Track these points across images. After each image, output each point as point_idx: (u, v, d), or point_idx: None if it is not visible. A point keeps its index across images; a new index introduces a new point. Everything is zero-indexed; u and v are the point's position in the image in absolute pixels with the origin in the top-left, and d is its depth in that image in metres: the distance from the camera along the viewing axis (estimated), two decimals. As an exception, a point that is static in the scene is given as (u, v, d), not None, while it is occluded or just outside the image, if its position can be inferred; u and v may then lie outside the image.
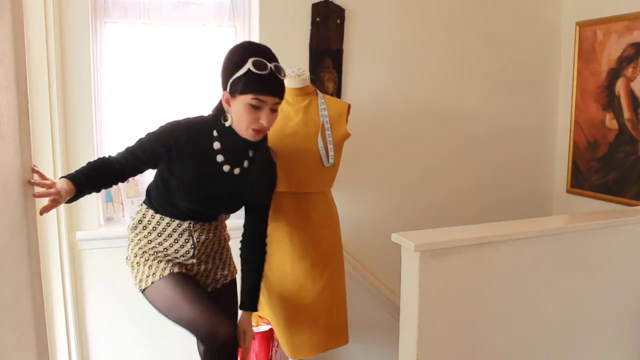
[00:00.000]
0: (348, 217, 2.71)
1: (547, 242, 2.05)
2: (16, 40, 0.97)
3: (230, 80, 1.66)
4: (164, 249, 1.83)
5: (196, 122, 1.77)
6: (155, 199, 1.84)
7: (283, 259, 2.19)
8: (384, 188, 2.97)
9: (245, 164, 1.81)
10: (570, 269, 2.13)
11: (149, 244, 1.83)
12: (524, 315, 2.05)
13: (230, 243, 2.08)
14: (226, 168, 1.77)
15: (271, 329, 2.41)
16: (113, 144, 2.54)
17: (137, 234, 1.86)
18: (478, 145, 3.17)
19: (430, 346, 1.86)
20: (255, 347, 2.39)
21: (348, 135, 2.27)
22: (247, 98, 1.64)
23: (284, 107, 2.23)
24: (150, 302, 1.80)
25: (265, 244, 1.95)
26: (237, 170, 1.79)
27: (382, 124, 2.91)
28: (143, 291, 1.80)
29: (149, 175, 2.53)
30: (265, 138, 1.84)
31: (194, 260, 1.88)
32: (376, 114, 2.88)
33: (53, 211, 2.30)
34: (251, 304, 1.89)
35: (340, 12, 2.71)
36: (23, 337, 1.02)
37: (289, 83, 2.23)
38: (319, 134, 2.17)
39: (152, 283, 1.76)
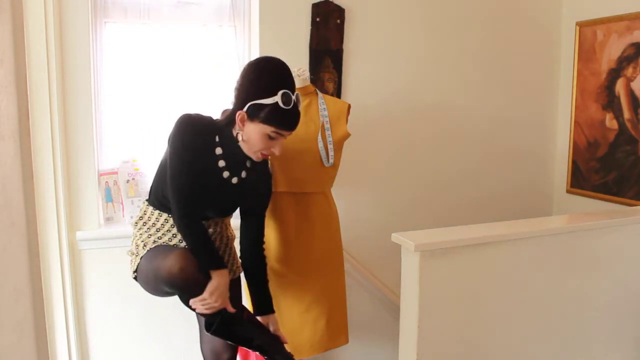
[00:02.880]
0: (348, 217, 2.71)
1: (547, 242, 2.05)
2: (16, 40, 0.97)
3: (252, 103, 1.64)
4: (164, 243, 1.83)
5: (206, 121, 1.76)
6: (155, 195, 1.85)
7: (283, 259, 2.19)
8: (384, 188, 2.97)
9: (244, 174, 1.82)
10: (570, 269, 2.13)
11: (150, 237, 1.84)
12: (524, 315, 2.05)
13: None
14: (226, 174, 1.78)
15: (271, 329, 2.41)
16: (113, 144, 2.54)
17: (138, 230, 1.87)
18: (478, 144, 3.16)
19: (430, 346, 1.86)
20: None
21: (348, 135, 2.27)
22: (267, 129, 1.65)
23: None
24: (140, 284, 1.82)
25: (263, 250, 1.98)
26: (235, 180, 1.80)
27: (382, 124, 2.91)
28: (136, 278, 1.83)
29: (150, 175, 2.54)
30: None
31: None
32: (376, 113, 2.88)
33: (53, 211, 2.32)
34: (269, 307, 1.94)
35: (340, 12, 2.71)
36: (23, 337, 1.02)
37: (289, 83, 2.23)
38: (319, 134, 2.17)
39: (141, 258, 1.78)
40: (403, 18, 2.89)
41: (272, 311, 1.95)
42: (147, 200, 1.91)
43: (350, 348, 2.72)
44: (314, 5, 2.66)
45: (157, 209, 1.85)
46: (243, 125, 1.68)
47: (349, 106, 2.31)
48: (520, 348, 2.06)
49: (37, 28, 2.20)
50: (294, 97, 1.65)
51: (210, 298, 1.67)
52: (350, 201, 2.84)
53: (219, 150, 1.75)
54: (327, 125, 2.19)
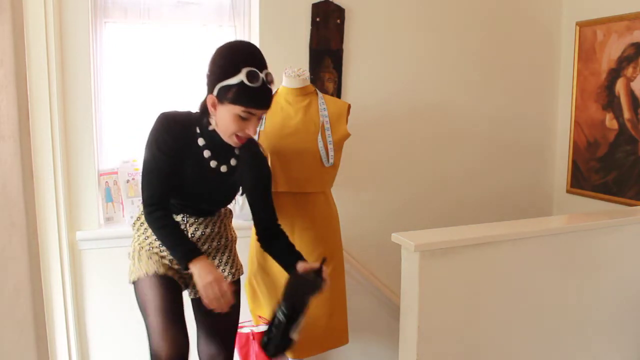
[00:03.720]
0: (348, 217, 2.71)
1: (547, 242, 2.05)
2: (16, 40, 0.97)
3: (219, 86, 1.61)
4: (160, 243, 1.81)
5: (184, 115, 1.75)
6: None
7: (283, 259, 2.19)
8: (384, 188, 2.97)
9: (233, 161, 1.79)
10: (570, 269, 2.13)
11: (146, 240, 1.83)
12: (524, 315, 2.04)
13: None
14: (213, 164, 1.74)
15: (271, 329, 2.41)
16: (113, 144, 2.54)
17: (136, 230, 1.87)
18: (478, 144, 3.16)
19: (430, 346, 1.86)
20: (255, 347, 2.39)
21: (348, 135, 2.27)
22: (237, 109, 1.60)
23: (284, 107, 2.23)
24: (136, 298, 1.82)
25: (280, 226, 1.91)
26: (224, 168, 1.77)
27: (382, 124, 2.91)
28: (132, 283, 1.82)
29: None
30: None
31: None
32: (376, 114, 2.88)
33: (53, 211, 2.32)
34: (298, 255, 1.85)
35: (340, 12, 2.71)
36: (23, 337, 1.02)
37: (289, 83, 2.23)
38: (319, 134, 2.17)
39: (137, 278, 1.78)
40: (403, 18, 2.89)
41: (302, 257, 1.85)
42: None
43: (350, 348, 2.72)
44: (314, 5, 2.66)
45: None
46: (215, 109, 1.65)
47: (349, 106, 2.31)
48: (520, 348, 2.06)
49: (37, 28, 2.20)
50: (262, 75, 1.59)
51: (211, 291, 1.62)
52: (350, 201, 2.84)
53: (201, 141, 1.73)
54: (327, 125, 2.19)
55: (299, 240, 2.17)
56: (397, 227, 2.26)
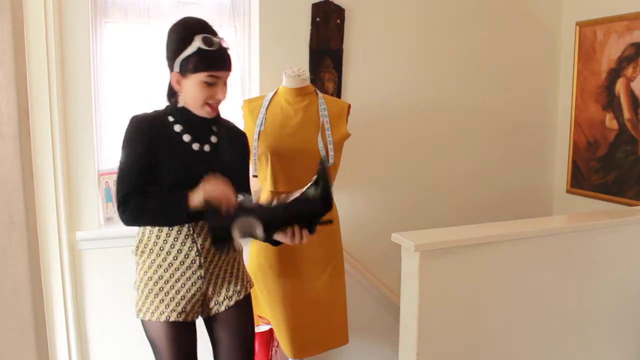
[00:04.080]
0: (348, 217, 2.71)
1: (547, 242, 2.05)
2: (16, 40, 0.97)
3: (179, 60, 1.63)
4: (169, 264, 1.72)
5: (153, 113, 1.74)
6: None
7: (283, 259, 2.19)
8: (384, 188, 2.97)
9: (213, 139, 1.75)
10: (570, 269, 2.13)
11: (152, 264, 1.74)
12: (523, 315, 2.05)
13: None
14: (195, 146, 1.71)
15: (271, 329, 2.41)
16: (113, 144, 2.54)
17: (140, 256, 1.78)
18: (478, 144, 3.17)
19: (430, 346, 1.86)
20: (255, 347, 2.40)
21: (348, 135, 2.27)
22: (202, 76, 1.61)
23: (284, 107, 2.23)
24: (144, 330, 1.79)
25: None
26: (207, 147, 1.73)
27: (382, 124, 2.91)
28: (140, 319, 1.78)
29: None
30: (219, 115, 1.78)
31: (202, 272, 1.75)
32: (376, 114, 2.88)
33: (53, 211, 2.32)
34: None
35: (340, 12, 2.71)
36: (23, 337, 1.02)
37: (289, 83, 2.23)
38: (319, 134, 2.17)
39: (148, 319, 1.75)
40: (403, 18, 2.89)
41: None
42: None
43: (350, 348, 2.72)
44: (314, 5, 2.66)
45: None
46: (180, 85, 1.66)
47: (349, 106, 2.31)
48: (520, 348, 2.06)
49: (37, 28, 2.20)
50: (217, 39, 1.62)
51: (217, 193, 1.58)
52: (351, 201, 2.84)
53: (178, 128, 1.70)
54: (327, 125, 2.19)
55: (299, 240, 2.17)
56: (397, 227, 2.26)
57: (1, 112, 0.93)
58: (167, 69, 1.71)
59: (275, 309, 2.22)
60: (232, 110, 2.55)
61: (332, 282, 2.27)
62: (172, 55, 1.65)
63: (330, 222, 1.68)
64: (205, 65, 1.61)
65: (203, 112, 1.68)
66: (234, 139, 1.82)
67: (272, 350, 2.47)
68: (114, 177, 2.48)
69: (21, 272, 1.03)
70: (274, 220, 1.63)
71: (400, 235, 1.86)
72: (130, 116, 1.71)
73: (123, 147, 1.69)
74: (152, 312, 1.74)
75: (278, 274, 2.20)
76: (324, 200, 1.61)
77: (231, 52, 1.68)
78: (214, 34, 1.66)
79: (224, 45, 1.66)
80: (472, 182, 3.17)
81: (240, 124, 2.31)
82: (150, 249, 1.75)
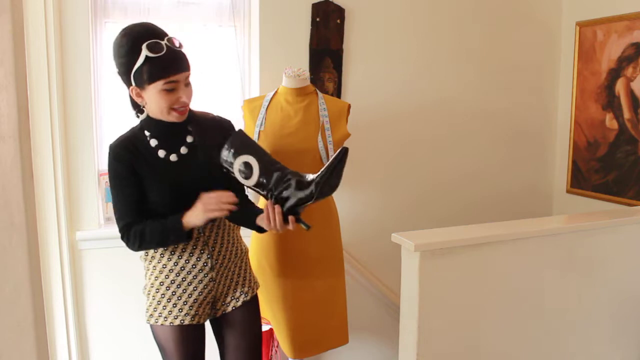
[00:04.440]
0: (348, 217, 2.71)
1: (547, 242, 2.05)
2: (16, 40, 0.97)
3: (132, 74, 1.57)
4: (181, 268, 1.72)
5: (127, 134, 1.72)
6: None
7: (283, 259, 2.19)
8: (384, 188, 2.97)
9: (189, 139, 1.71)
10: (570, 269, 2.13)
11: (164, 268, 1.73)
12: (523, 315, 2.04)
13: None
14: (173, 157, 1.68)
15: (271, 329, 2.41)
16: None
17: (150, 261, 1.77)
18: (478, 144, 3.17)
19: (430, 346, 1.86)
20: (262, 347, 2.39)
21: (348, 135, 2.27)
22: (159, 85, 1.56)
23: (284, 107, 2.23)
24: (152, 334, 1.78)
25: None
26: (184, 150, 1.69)
27: (382, 124, 2.91)
28: (150, 324, 1.77)
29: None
30: (190, 115, 1.73)
31: (213, 274, 1.75)
32: (376, 113, 2.88)
33: (53, 211, 2.32)
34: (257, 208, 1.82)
35: (340, 12, 2.71)
36: (23, 337, 1.02)
37: (288, 83, 2.23)
38: (319, 134, 2.17)
39: (160, 324, 1.74)
40: (403, 18, 2.89)
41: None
42: None
43: (350, 348, 2.72)
44: (314, 5, 2.66)
45: None
46: (142, 98, 1.62)
47: (349, 106, 2.31)
48: (520, 348, 2.06)
49: (37, 28, 2.20)
50: (163, 42, 1.54)
51: (213, 206, 1.60)
52: (350, 201, 2.84)
53: (153, 143, 1.68)
54: (327, 125, 2.19)
55: (298, 240, 2.17)
56: (397, 227, 2.26)
57: (1, 112, 0.93)
58: (124, 85, 1.66)
59: (275, 308, 2.22)
60: (232, 110, 2.55)
61: (332, 282, 2.27)
62: (124, 70, 1.59)
63: (307, 226, 1.65)
64: (159, 73, 1.54)
65: (172, 118, 1.65)
66: (213, 130, 1.76)
67: (272, 350, 2.47)
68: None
69: (21, 272, 1.03)
70: (269, 169, 1.64)
71: (400, 235, 1.86)
72: (108, 146, 1.71)
73: (109, 179, 1.71)
74: (165, 317, 1.74)
75: (278, 274, 2.20)
76: (317, 184, 1.60)
77: (184, 49, 1.61)
78: (161, 36, 1.57)
79: (175, 45, 1.58)
80: (472, 182, 3.17)
81: (240, 123, 2.31)
82: (161, 253, 1.74)
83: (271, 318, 2.28)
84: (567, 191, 3.28)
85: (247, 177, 1.64)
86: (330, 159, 1.64)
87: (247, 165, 1.64)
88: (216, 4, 2.62)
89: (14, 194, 1.02)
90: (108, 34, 2.47)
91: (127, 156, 1.67)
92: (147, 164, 1.67)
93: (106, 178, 2.48)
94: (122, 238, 1.69)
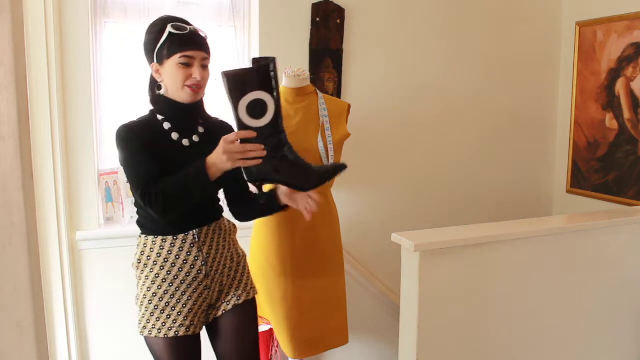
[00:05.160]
0: (348, 217, 2.71)
1: (547, 242, 2.05)
2: (16, 40, 0.97)
3: (155, 52, 1.66)
4: (174, 277, 1.69)
5: (137, 120, 1.74)
6: (148, 219, 1.72)
7: (283, 259, 2.19)
8: (384, 188, 2.97)
9: (201, 129, 1.75)
10: (570, 269, 2.13)
11: (156, 278, 1.70)
12: (524, 315, 2.04)
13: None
14: (185, 142, 1.70)
15: (271, 329, 2.41)
16: (113, 144, 2.54)
17: (142, 270, 1.72)
18: (478, 145, 3.17)
19: (430, 346, 1.86)
20: (258, 353, 2.39)
21: (348, 135, 2.27)
22: (175, 58, 1.63)
23: (284, 107, 2.22)
24: (147, 346, 1.76)
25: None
26: (195, 138, 1.71)
27: (382, 124, 2.91)
28: (143, 336, 1.74)
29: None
30: (202, 111, 1.77)
31: (208, 282, 1.73)
32: (376, 114, 2.88)
33: (53, 211, 2.32)
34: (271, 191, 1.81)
35: (340, 12, 2.71)
36: (23, 338, 1.02)
37: (288, 83, 2.23)
38: (319, 134, 2.17)
39: (154, 336, 1.70)
40: (403, 18, 2.89)
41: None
42: (141, 234, 1.76)
43: (350, 348, 2.72)
44: (314, 5, 2.66)
45: (157, 234, 1.71)
46: (160, 74, 1.69)
47: (349, 106, 2.31)
48: (520, 348, 2.06)
49: (37, 28, 2.20)
50: (189, 27, 1.65)
51: (233, 151, 1.55)
52: (350, 201, 2.84)
53: (167, 125, 1.70)
54: (327, 126, 2.19)
55: (299, 240, 2.17)
56: (397, 227, 2.26)
57: (1, 112, 0.93)
58: (148, 66, 1.73)
59: (276, 309, 2.22)
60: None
61: (332, 282, 2.27)
62: (150, 48, 1.69)
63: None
64: (177, 47, 1.63)
65: (184, 96, 1.67)
66: (220, 130, 1.77)
67: (272, 350, 2.47)
68: (114, 177, 2.50)
69: (21, 272, 1.03)
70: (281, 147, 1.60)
71: (400, 235, 1.86)
72: (116, 130, 1.70)
73: (122, 154, 1.67)
74: (159, 329, 1.70)
75: (278, 274, 2.20)
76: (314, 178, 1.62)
77: (206, 37, 1.70)
78: (187, 22, 1.69)
79: (198, 31, 1.68)
80: (472, 182, 3.17)
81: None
82: (154, 261, 1.70)
83: (271, 318, 2.28)
84: (567, 191, 3.28)
85: (258, 117, 1.56)
86: (330, 167, 1.65)
87: (260, 102, 1.56)
88: (216, 4, 2.62)
89: (14, 194, 1.02)
90: (108, 34, 2.47)
91: (142, 133, 1.68)
92: (161, 146, 1.67)
93: (106, 178, 2.48)
94: (145, 204, 1.60)
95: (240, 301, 1.82)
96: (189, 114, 1.73)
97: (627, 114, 2.90)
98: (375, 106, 2.87)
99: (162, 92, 1.71)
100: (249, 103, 1.54)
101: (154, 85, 1.74)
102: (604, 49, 2.99)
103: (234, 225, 1.90)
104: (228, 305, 1.81)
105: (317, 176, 1.63)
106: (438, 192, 3.10)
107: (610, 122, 2.99)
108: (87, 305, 2.46)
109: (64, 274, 2.37)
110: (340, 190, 2.55)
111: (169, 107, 1.71)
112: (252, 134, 1.56)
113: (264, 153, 1.57)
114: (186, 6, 2.57)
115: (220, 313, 1.81)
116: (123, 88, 2.53)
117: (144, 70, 2.53)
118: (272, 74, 1.54)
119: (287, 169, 1.61)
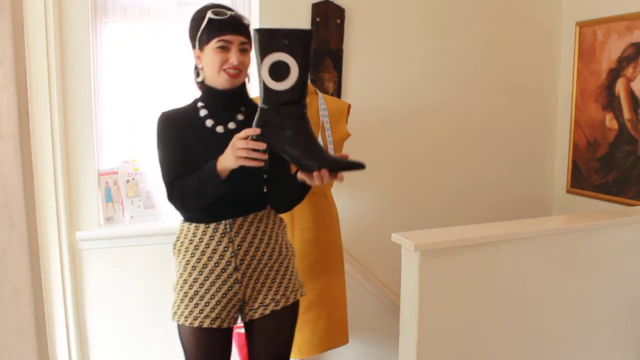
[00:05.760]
0: (348, 217, 2.71)
1: (547, 242, 2.05)
2: (16, 40, 0.97)
3: (197, 38, 1.67)
4: (203, 265, 1.68)
5: (180, 107, 1.75)
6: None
7: (283, 259, 2.19)
8: (384, 188, 2.97)
9: (240, 117, 1.71)
10: (570, 269, 2.13)
11: (187, 265, 1.70)
12: (523, 315, 2.04)
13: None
14: (220, 129, 1.68)
15: (271, 329, 2.41)
16: (113, 144, 2.55)
17: (177, 256, 1.75)
18: (478, 145, 3.17)
19: (430, 346, 1.86)
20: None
21: (348, 135, 2.27)
22: (213, 43, 1.64)
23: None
24: (178, 332, 1.76)
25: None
26: (232, 125, 1.69)
27: (382, 124, 2.91)
28: (174, 322, 1.75)
29: (150, 177, 2.54)
30: (245, 97, 1.75)
31: (238, 275, 1.69)
32: (376, 114, 2.88)
33: (53, 211, 2.32)
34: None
35: (340, 12, 2.71)
36: (23, 338, 1.02)
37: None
38: (319, 134, 2.17)
39: (182, 323, 1.71)
40: (403, 18, 2.89)
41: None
42: (182, 221, 1.77)
43: (350, 348, 2.72)
44: (314, 5, 2.66)
45: (192, 221, 1.72)
46: (201, 60, 1.69)
47: (349, 106, 2.31)
48: (520, 348, 2.06)
49: (37, 28, 2.20)
50: (230, 12, 1.65)
51: (239, 151, 1.50)
52: (351, 201, 2.84)
53: (203, 112, 1.70)
54: (327, 126, 2.19)
55: (299, 240, 2.17)
56: (397, 227, 2.26)
57: (1, 112, 0.93)
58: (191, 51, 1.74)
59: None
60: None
61: (332, 282, 2.27)
62: (191, 36, 1.70)
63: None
64: (215, 32, 1.63)
65: (222, 81, 1.66)
66: None
67: (272, 350, 2.47)
68: (114, 177, 2.50)
69: (21, 272, 1.03)
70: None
71: (400, 235, 1.86)
72: (159, 114, 1.73)
73: (157, 143, 1.70)
74: (186, 317, 1.69)
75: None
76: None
77: (248, 23, 1.69)
78: (230, 10, 1.68)
79: (240, 17, 1.67)
80: (472, 182, 3.17)
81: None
82: (186, 248, 1.71)
83: (271, 318, 2.27)
84: (567, 191, 3.28)
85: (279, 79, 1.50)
86: (345, 160, 1.56)
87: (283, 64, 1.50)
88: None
89: (14, 194, 1.02)
90: (108, 34, 2.47)
91: (178, 122, 1.69)
92: (195, 133, 1.68)
93: (106, 178, 2.49)
94: (168, 198, 1.67)
95: (279, 307, 1.75)
96: (228, 101, 1.71)
97: (627, 114, 2.90)
98: (375, 106, 2.87)
99: (199, 79, 1.72)
100: (273, 63, 1.50)
101: (197, 73, 1.75)
102: (604, 49, 2.99)
103: (280, 219, 1.81)
104: (266, 309, 1.74)
105: (326, 161, 1.53)
106: (438, 192, 3.10)
107: (610, 122, 2.99)
108: (87, 305, 2.46)
109: (64, 274, 2.37)
110: (340, 190, 2.55)
111: (207, 94, 1.72)
112: (257, 131, 1.52)
113: (265, 156, 1.53)
114: (186, 6, 2.56)
115: (257, 316, 1.75)
116: (123, 88, 2.53)
117: (143, 70, 2.55)
118: (301, 41, 1.50)
119: (294, 142, 1.52)
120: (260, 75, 1.51)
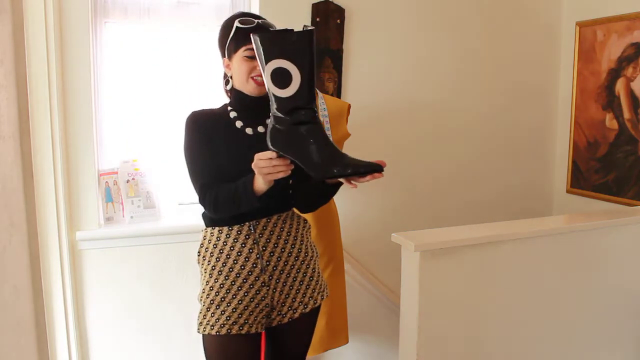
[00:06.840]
0: (348, 217, 2.71)
1: (547, 242, 2.05)
2: (16, 40, 0.97)
3: (226, 47, 1.68)
4: (229, 269, 1.64)
5: (209, 108, 1.76)
6: (202, 211, 1.72)
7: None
8: (384, 188, 2.97)
9: (260, 129, 1.70)
10: (570, 269, 2.13)
11: (213, 270, 1.66)
12: (523, 315, 2.04)
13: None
14: (249, 131, 1.68)
15: (271, 329, 2.41)
16: (113, 144, 2.55)
17: (202, 264, 1.71)
18: (479, 145, 3.17)
19: (430, 346, 1.86)
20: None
21: (348, 135, 2.27)
22: (241, 52, 1.65)
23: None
24: (203, 346, 1.71)
25: None
26: (261, 129, 1.69)
27: (382, 124, 2.91)
28: (199, 333, 1.69)
29: (150, 177, 2.54)
30: None
31: (265, 277, 1.66)
32: (376, 114, 2.88)
33: (53, 211, 2.32)
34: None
35: (340, 12, 2.71)
36: (23, 337, 1.02)
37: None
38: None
39: (207, 333, 1.65)
40: (403, 18, 2.89)
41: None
42: (205, 226, 1.74)
43: (350, 348, 2.72)
44: (314, 5, 2.66)
45: (216, 224, 1.69)
46: (230, 69, 1.71)
47: (349, 106, 2.31)
48: (520, 348, 2.06)
49: (37, 28, 2.20)
50: (257, 20, 1.65)
51: (264, 169, 1.48)
52: (350, 201, 2.84)
53: (232, 114, 1.71)
54: (327, 126, 2.19)
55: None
56: (397, 227, 2.26)
57: (1, 112, 0.93)
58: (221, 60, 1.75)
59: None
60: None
61: (332, 282, 2.27)
62: (220, 45, 1.71)
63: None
64: (242, 41, 1.64)
65: (250, 89, 1.68)
66: None
67: (272, 350, 2.47)
68: (114, 177, 2.50)
69: (21, 272, 1.02)
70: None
71: (400, 235, 1.86)
72: (188, 115, 1.72)
73: (185, 142, 1.69)
74: (212, 325, 1.64)
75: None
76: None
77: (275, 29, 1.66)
78: (253, 15, 1.70)
79: (265, 24, 1.67)
80: (472, 182, 3.17)
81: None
82: (211, 252, 1.68)
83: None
84: (567, 191, 3.28)
85: (282, 86, 1.44)
86: (366, 166, 1.46)
87: (283, 71, 1.43)
88: (216, 4, 2.61)
89: (14, 194, 1.02)
90: (108, 34, 2.47)
91: (207, 123, 1.70)
92: (224, 134, 1.68)
93: (106, 178, 2.49)
94: (201, 202, 1.64)
95: (307, 309, 1.75)
96: (257, 106, 1.71)
97: (627, 114, 2.90)
98: (375, 106, 2.87)
99: (228, 87, 1.74)
100: (273, 70, 1.44)
101: (226, 81, 1.76)
102: (604, 49, 2.99)
103: (304, 220, 1.80)
104: (295, 313, 1.73)
105: (329, 170, 1.45)
106: (438, 192, 3.10)
107: (610, 122, 2.99)
108: (87, 305, 2.46)
109: (64, 274, 2.37)
110: (340, 190, 2.54)
111: (236, 99, 1.73)
112: (274, 155, 1.48)
113: (291, 165, 1.48)
114: (186, 6, 2.57)
115: (286, 320, 1.73)
116: (123, 88, 2.53)
117: (143, 70, 2.55)
118: (298, 44, 1.40)
119: (299, 150, 1.46)
120: (265, 83, 1.48)
